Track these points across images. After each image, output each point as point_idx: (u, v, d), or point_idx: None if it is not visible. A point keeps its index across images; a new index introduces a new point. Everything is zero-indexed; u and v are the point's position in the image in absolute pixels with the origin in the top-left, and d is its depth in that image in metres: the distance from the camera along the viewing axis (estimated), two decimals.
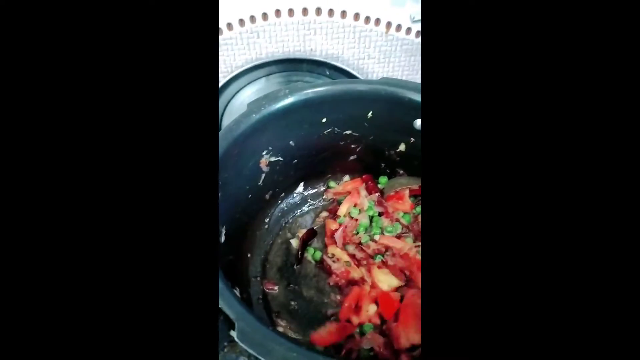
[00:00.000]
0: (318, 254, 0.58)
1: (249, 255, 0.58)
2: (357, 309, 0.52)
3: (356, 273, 0.55)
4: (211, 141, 0.23)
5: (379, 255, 0.57)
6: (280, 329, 0.52)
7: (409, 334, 0.47)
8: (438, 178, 0.20)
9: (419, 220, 0.60)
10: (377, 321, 0.51)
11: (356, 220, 0.60)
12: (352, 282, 0.55)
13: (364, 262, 0.57)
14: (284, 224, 0.63)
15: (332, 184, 0.66)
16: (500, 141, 0.20)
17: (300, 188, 0.65)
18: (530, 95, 0.20)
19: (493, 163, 0.20)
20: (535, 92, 0.20)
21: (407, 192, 0.61)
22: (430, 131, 0.20)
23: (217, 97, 0.69)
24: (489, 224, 0.20)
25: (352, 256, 0.57)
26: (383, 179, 0.65)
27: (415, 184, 0.61)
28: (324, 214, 0.64)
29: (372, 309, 0.52)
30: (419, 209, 0.61)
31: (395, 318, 0.50)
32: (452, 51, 0.20)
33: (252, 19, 0.65)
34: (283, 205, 0.64)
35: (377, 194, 0.62)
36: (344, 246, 0.58)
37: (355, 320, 0.51)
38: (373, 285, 0.54)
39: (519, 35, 0.20)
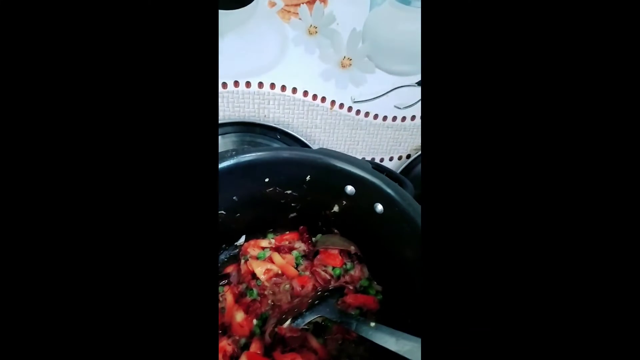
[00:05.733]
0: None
1: None
2: None
3: None
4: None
5: None
6: None
7: None
8: (438, 187, 0.19)
9: (347, 275, 0.66)
10: None
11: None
12: None
13: None
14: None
15: (270, 236, 0.71)
16: (500, 151, 0.20)
17: (242, 240, 0.70)
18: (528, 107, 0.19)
19: (492, 172, 0.19)
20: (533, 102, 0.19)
21: (336, 251, 0.67)
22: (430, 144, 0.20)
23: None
24: (487, 229, 0.19)
25: None
26: (319, 236, 0.70)
27: (348, 246, 0.66)
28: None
29: None
30: (349, 264, 0.68)
31: None
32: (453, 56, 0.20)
33: None
34: (223, 256, 0.68)
35: (309, 244, 0.68)
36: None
37: None
38: None
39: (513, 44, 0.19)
